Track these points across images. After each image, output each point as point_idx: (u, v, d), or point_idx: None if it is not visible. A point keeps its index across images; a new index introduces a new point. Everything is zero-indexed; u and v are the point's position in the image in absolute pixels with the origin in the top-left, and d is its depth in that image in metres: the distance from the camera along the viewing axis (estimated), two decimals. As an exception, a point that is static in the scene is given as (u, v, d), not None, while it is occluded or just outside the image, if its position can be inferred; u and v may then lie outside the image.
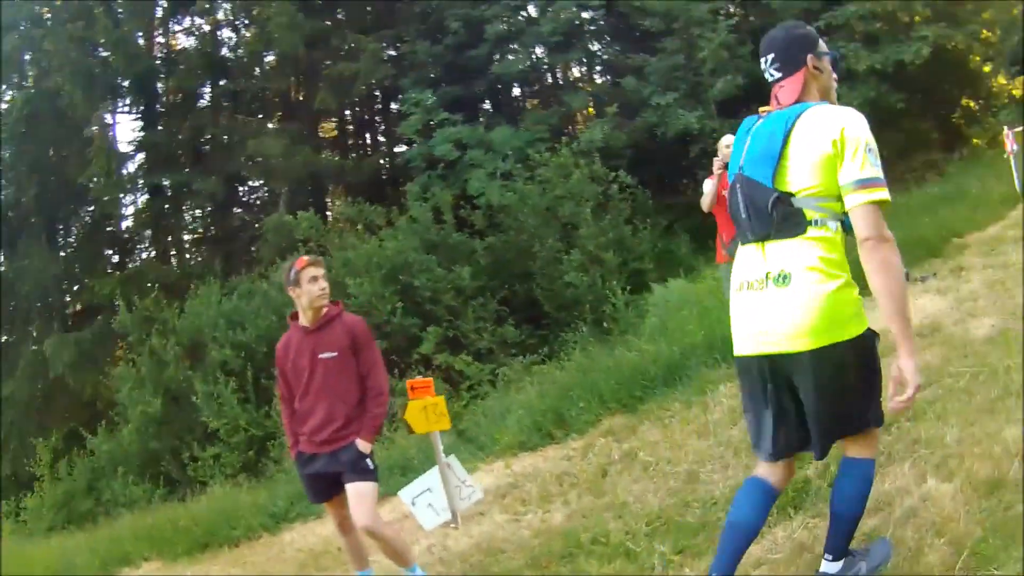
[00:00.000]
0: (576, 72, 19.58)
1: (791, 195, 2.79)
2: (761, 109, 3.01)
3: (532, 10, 17.35)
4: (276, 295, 12.80)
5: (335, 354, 4.64)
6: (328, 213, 18.53)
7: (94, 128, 16.21)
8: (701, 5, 15.25)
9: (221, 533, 7.92)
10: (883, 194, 2.69)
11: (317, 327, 4.68)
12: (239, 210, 20.23)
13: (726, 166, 6.72)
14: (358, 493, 4.60)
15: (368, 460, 4.67)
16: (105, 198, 17.03)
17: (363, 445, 4.63)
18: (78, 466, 13.70)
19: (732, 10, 16.85)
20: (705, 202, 7.04)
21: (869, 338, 2.84)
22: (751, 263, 2.94)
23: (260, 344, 12.45)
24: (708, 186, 6.97)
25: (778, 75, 2.98)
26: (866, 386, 2.87)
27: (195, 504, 9.44)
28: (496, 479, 6.93)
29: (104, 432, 13.62)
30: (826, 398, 2.80)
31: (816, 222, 2.77)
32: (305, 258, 4.77)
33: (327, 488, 4.81)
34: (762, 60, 3.03)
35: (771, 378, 2.92)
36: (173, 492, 12.04)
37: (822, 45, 3.00)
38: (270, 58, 18.61)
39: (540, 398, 8.22)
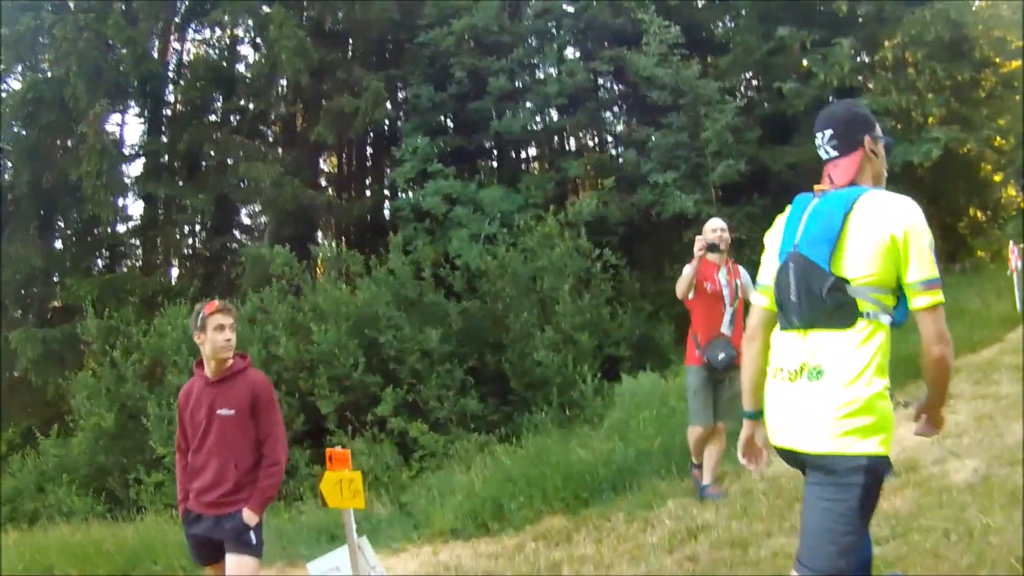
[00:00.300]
0: (578, 139, 19.28)
1: (846, 282, 2.71)
2: (816, 187, 2.95)
3: (553, 72, 17.11)
4: (241, 328, 12.53)
5: (232, 412, 4.42)
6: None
7: (90, 125, 15.79)
8: (711, 83, 14.94)
9: (142, 566, 7.77)
10: (942, 295, 2.71)
11: (219, 379, 4.47)
12: (236, 232, 20.00)
13: (711, 247, 6.23)
14: (236, 566, 4.38)
15: (252, 533, 4.41)
16: (95, 197, 16.66)
17: (249, 516, 4.38)
18: (27, 465, 13.55)
19: (745, 91, 16.64)
20: (680, 287, 6.35)
21: (882, 468, 2.70)
22: (789, 350, 2.86)
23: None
24: (687, 270, 6.28)
25: (834, 153, 2.94)
26: (853, 523, 2.66)
27: (124, 529, 9.32)
28: (419, 566, 6.71)
29: (56, 437, 13.46)
30: (818, 512, 2.71)
31: (868, 315, 2.70)
32: (215, 303, 4.53)
33: (210, 552, 4.56)
34: (817, 135, 2.98)
35: (799, 468, 2.91)
36: (113, 510, 11.78)
37: (878, 128, 2.98)
38: (283, 82, 18.47)
39: (484, 484, 7.93)
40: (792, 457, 2.87)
